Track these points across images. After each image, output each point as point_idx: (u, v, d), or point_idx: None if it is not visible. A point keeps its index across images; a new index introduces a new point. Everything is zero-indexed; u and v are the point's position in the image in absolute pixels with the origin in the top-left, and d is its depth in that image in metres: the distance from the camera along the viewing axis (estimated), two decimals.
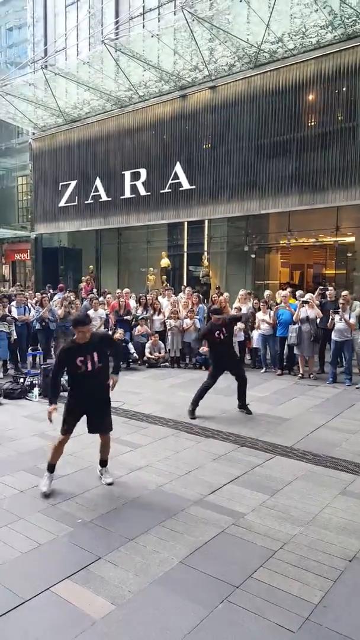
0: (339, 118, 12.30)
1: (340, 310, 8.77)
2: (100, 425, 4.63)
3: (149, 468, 5.06)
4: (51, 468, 4.55)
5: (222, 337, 7.00)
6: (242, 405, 7.22)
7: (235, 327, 9.60)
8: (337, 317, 8.77)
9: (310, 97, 12.74)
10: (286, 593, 3.07)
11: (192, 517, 4.04)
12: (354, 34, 11.73)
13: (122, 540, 3.67)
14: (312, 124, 12.81)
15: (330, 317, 8.92)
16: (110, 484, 4.64)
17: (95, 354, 4.43)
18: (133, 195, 16.35)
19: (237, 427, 6.48)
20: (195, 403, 7.04)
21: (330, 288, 10.37)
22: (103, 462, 4.78)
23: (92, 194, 17.65)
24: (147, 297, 11.64)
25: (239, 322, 8.69)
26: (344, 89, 12.21)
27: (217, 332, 6.98)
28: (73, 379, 4.57)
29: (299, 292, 10.38)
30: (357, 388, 8.53)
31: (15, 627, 2.78)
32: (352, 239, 14.47)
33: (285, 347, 9.77)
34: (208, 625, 2.79)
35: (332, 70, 12.21)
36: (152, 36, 13.28)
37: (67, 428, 4.54)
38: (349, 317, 8.73)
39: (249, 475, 4.90)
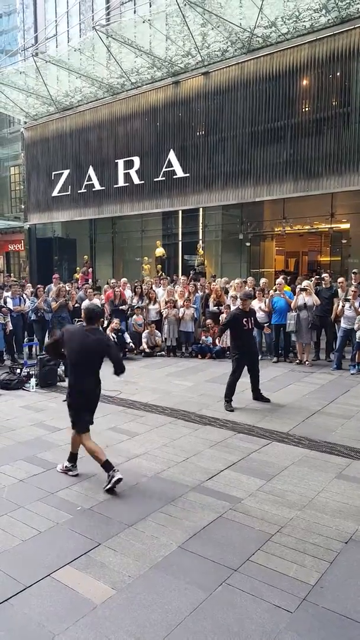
0: (333, 103, 12.21)
1: (350, 298, 8.82)
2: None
3: (147, 455, 5.10)
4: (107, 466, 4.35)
5: (249, 325, 6.82)
6: (258, 396, 7.09)
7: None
8: (347, 305, 8.82)
9: (304, 82, 12.64)
10: (284, 575, 3.12)
11: (190, 502, 4.08)
12: (348, 17, 11.60)
13: (122, 527, 3.72)
14: (306, 109, 12.72)
15: (340, 304, 8.96)
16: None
17: None
18: (127, 184, 16.24)
19: (234, 414, 6.53)
20: (228, 397, 6.83)
21: (325, 275, 10.39)
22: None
23: (85, 183, 17.53)
24: (143, 287, 11.62)
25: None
26: (338, 73, 12.12)
27: (245, 319, 6.79)
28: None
29: (305, 282, 10.23)
30: (351, 374, 8.59)
31: (18, 613, 2.82)
32: (346, 226, 14.47)
33: (281, 334, 9.81)
34: (207, 608, 2.84)
35: (325, 55, 12.10)
36: (143, 22, 13.10)
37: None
38: (358, 305, 8.74)
39: (246, 461, 4.95)
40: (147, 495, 4.23)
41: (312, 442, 5.43)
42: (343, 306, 8.95)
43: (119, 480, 4.24)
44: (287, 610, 2.80)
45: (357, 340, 8.72)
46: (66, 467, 4.68)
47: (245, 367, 6.97)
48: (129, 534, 3.62)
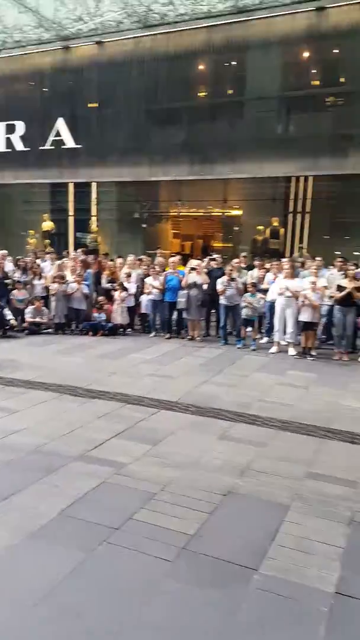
0: (228, 91, 12.53)
1: (236, 277, 9.17)
2: None
3: (26, 431, 4.80)
4: None
5: None
6: None
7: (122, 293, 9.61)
8: (232, 284, 9.16)
9: (201, 66, 12.80)
10: (165, 529, 3.14)
11: (74, 471, 3.93)
12: (244, 7, 11.91)
13: None
14: (202, 94, 12.92)
15: (224, 283, 9.27)
16: None
17: None
18: (9, 150, 15.10)
19: (124, 387, 6.44)
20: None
21: (217, 256, 10.75)
22: None
23: None
24: (26, 261, 10.97)
25: None
26: (234, 62, 12.45)
27: None
28: None
29: (194, 262, 10.42)
30: (237, 348, 9.01)
31: None
32: (238, 212, 15.04)
33: (174, 311, 9.94)
34: (89, 566, 2.77)
35: (222, 42, 12.31)
36: None
37: None
38: (240, 285, 9.13)
39: (133, 429, 4.91)
40: (26, 468, 3.98)
41: (198, 409, 5.55)
42: (227, 285, 9.23)
43: None
44: (166, 559, 2.82)
45: (242, 317, 9.16)
46: None
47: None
48: (4, 507, 3.37)
